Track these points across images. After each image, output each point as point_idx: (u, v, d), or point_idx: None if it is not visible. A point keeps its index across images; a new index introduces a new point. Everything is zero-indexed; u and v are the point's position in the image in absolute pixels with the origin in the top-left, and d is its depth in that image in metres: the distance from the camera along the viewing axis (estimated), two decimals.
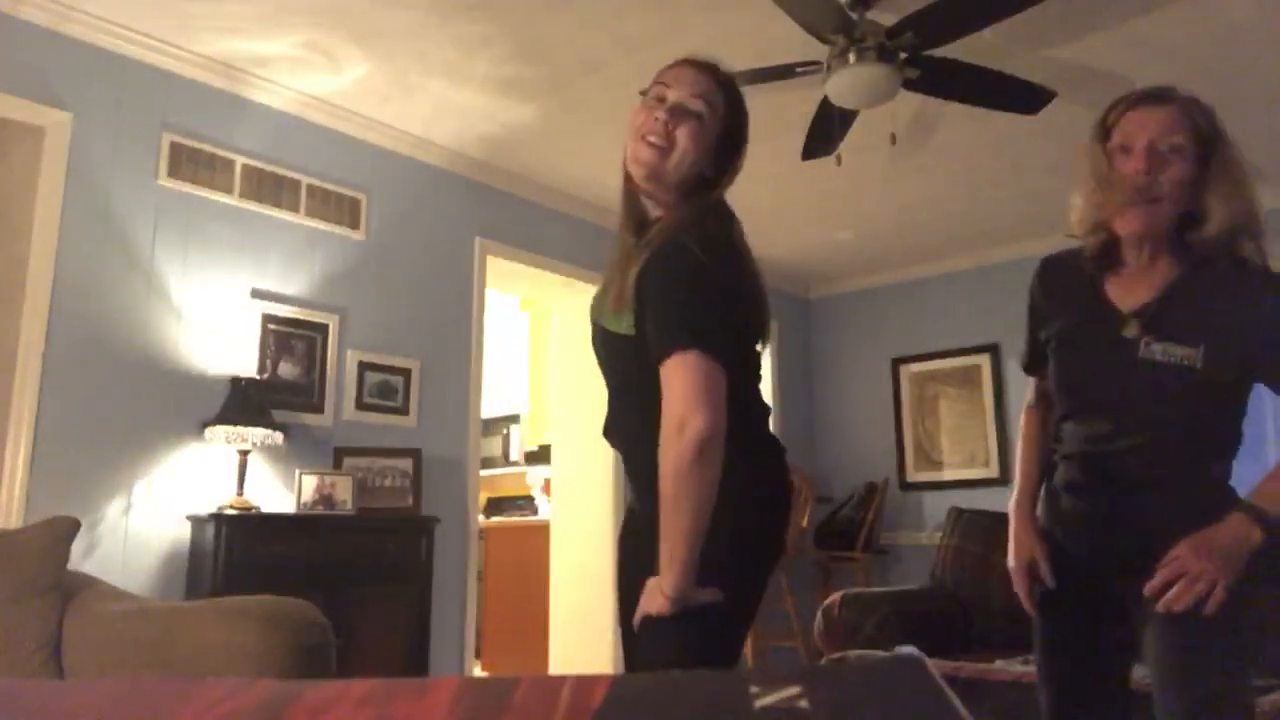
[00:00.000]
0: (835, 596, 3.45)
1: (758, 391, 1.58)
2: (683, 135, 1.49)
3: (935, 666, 0.32)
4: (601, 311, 1.54)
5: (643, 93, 1.56)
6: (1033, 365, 1.71)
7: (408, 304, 3.97)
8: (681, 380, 1.35)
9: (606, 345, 1.55)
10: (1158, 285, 1.48)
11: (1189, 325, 1.44)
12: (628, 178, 1.57)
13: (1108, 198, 1.45)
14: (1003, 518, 3.01)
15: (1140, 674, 1.54)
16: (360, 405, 3.72)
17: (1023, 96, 3.22)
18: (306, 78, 3.53)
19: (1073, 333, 1.56)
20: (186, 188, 3.31)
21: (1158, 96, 1.47)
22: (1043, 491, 1.69)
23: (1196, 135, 1.44)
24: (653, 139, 1.49)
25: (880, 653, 3.20)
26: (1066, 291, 1.59)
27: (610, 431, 1.60)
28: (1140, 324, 1.47)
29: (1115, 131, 1.48)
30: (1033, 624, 1.64)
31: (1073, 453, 1.59)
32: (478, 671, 4.69)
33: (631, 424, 1.54)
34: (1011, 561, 1.63)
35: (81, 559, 2.77)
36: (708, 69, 1.54)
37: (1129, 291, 1.51)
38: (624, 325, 1.48)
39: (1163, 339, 1.44)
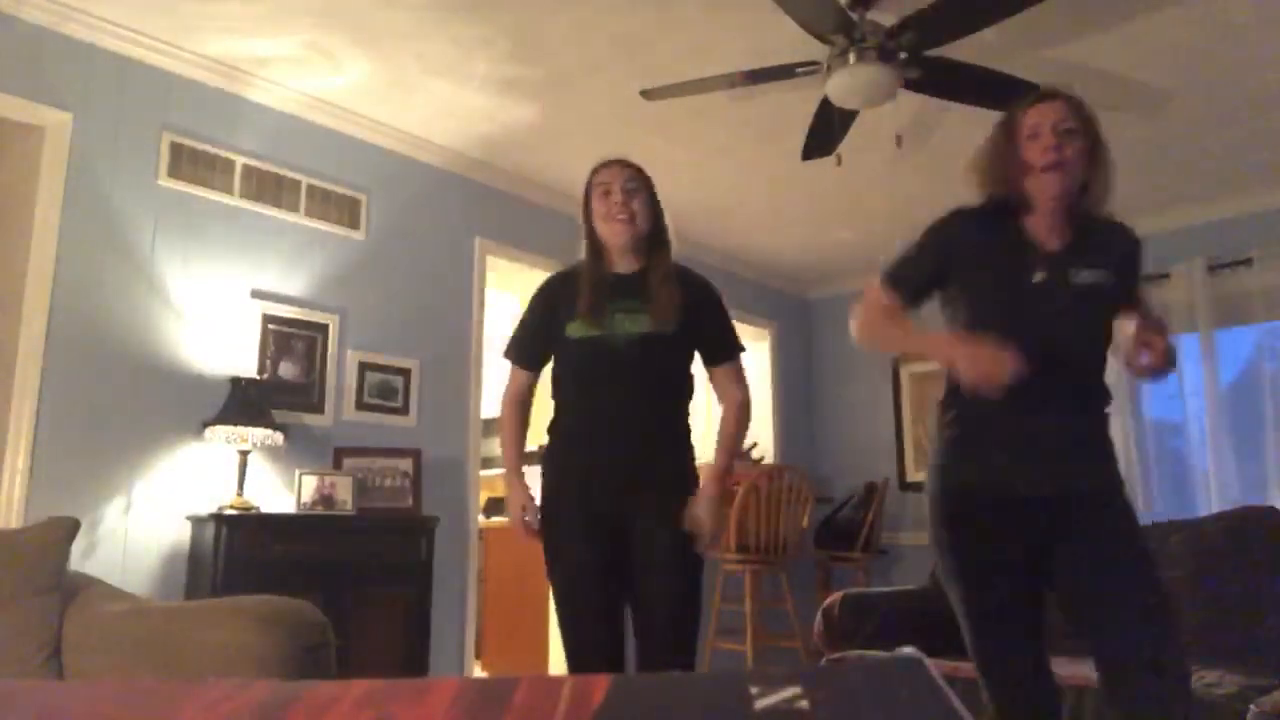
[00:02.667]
0: (835, 596, 3.45)
1: None
2: (638, 205, 2.20)
3: (935, 666, 0.32)
4: (641, 326, 2.14)
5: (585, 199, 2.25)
6: (908, 289, 1.93)
7: (408, 304, 3.97)
8: (742, 372, 2.31)
9: (659, 345, 2.15)
10: (1066, 236, 1.86)
11: (1096, 258, 1.85)
12: (597, 244, 2.23)
13: (1023, 171, 1.84)
14: None
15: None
16: (360, 405, 3.72)
17: (1022, 97, 3.21)
18: (306, 78, 3.53)
19: (1002, 270, 1.86)
20: (186, 188, 3.31)
21: (1050, 94, 1.89)
22: (939, 441, 1.92)
23: (1083, 122, 1.85)
24: (621, 216, 2.17)
25: (880, 653, 3.20)
26: (988, 239, 1.89)
27: (633, 414, 2.14)
28: (1065, 258, 1.84)
29: (1022, 126, 1.86)
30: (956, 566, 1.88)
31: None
32: (478, 671, 4.68)
33: (666, 403, 2.20)
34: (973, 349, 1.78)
35: (81, 559, 2.77)
36: (627, 164, 2.25)
37: (1045, 240, 1.86)
38: (671, 328, 2.15)
39: (1084, 266, 1.83)
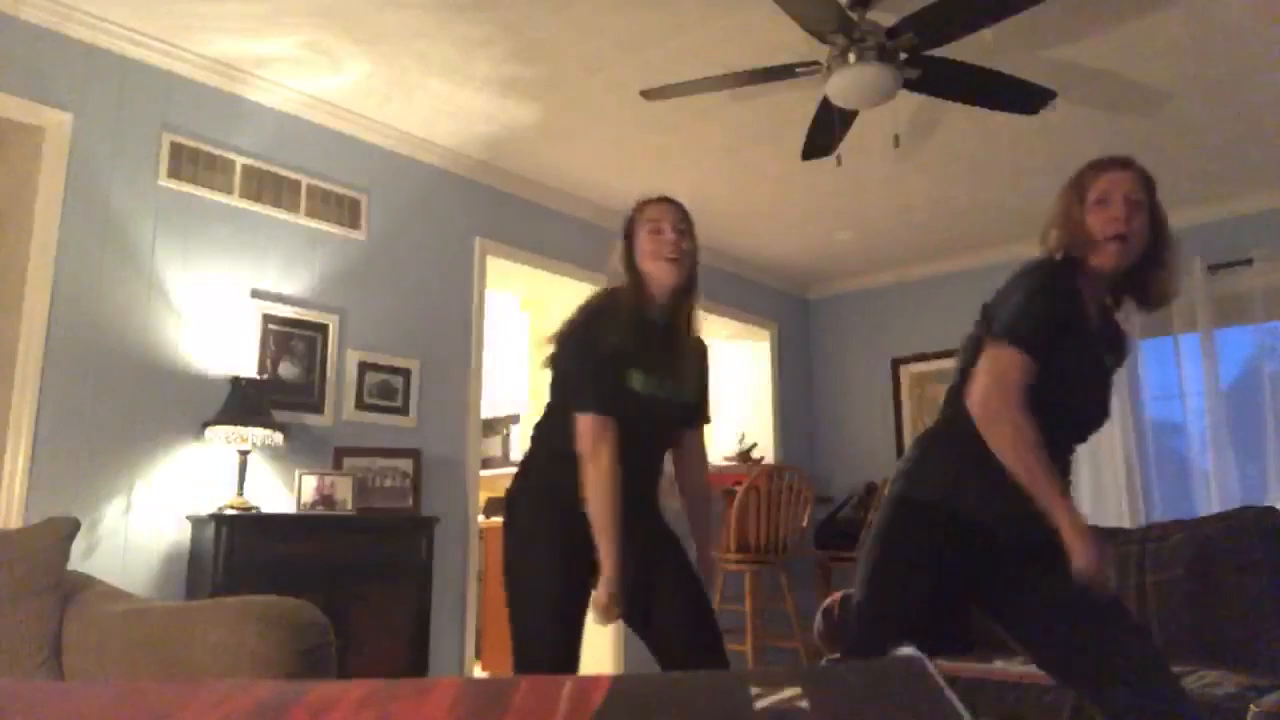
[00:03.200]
0: (835, 597, 3.45)
1: None
2: (688, 247, 2.15)
3: (935, 666, 0.32)
4: (680, 394, 2.18)
5: (628, 236, 2.18)
6: (1039, 354, 1.78)
7: (408, 304, 3.97)
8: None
9: (681, 411, 2.21)
10: (1098, 310, 1.88)
11: (1114, 344, 1.92)
12: (639, 282, 2.13)
13: (1085, 237, 1.81)
14: None
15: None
16: (360, 405, 3.72)
17: (1023, 96, 3.22)
18: (306, 78, 3.53)
19: (1076, 339, 1.83)
20: (186, 188, 3.31)
21: (1124, 163, 1.85)
22: (957, 470, 1.88)
23: (1150, 196, 1.84)
24: (672, 255, 2.11)
25: None
26: (1073, 305, 1.85)
27: (649, 471, 2.18)
28: (1100, 336, 1.88)
29: (1091, 189, 1.83)
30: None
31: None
32: (478, 671, 4.68)
33: (660, 461, 2.23)
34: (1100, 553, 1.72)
35: (81, 559, 2.77)
36: (677, 203, 2.21)
37: (1090, 313, 1.87)
38: (691, 397, 2.23)
39: (1107, 350, 1.89)
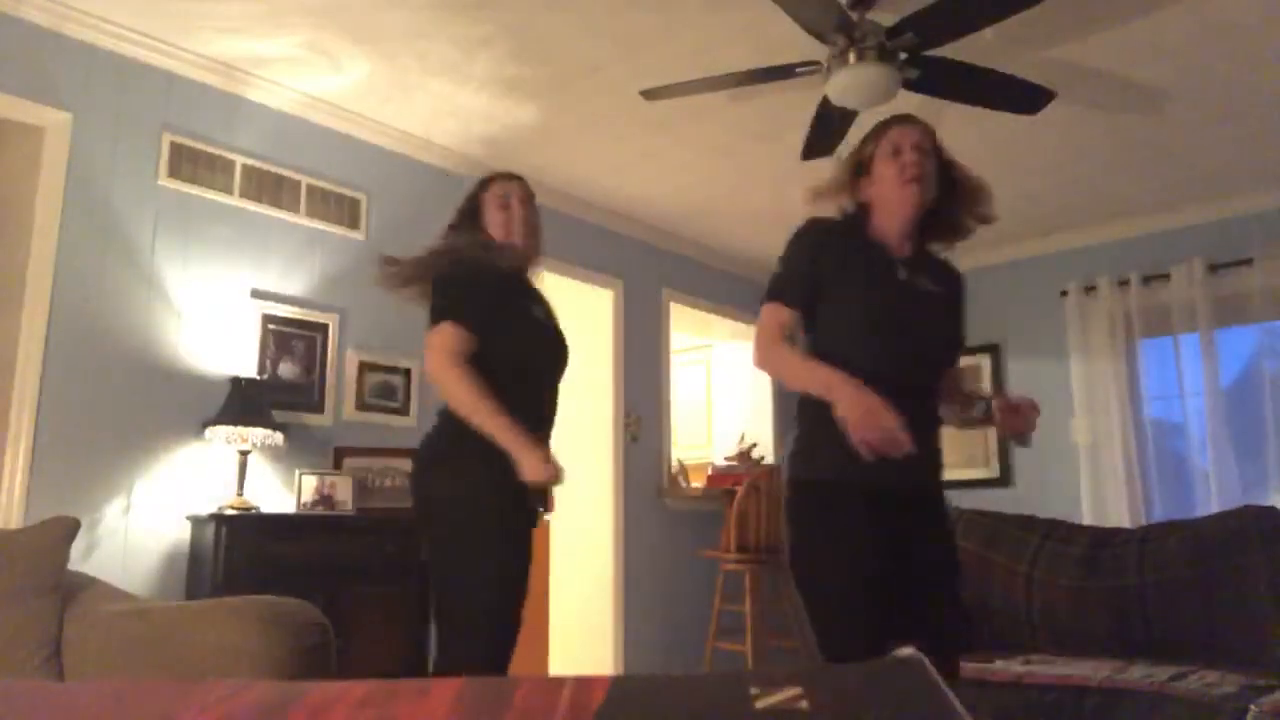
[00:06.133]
0: None
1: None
2: (535, 220, 2.41)
3: (935, 666, 0.32)
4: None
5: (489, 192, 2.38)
6: (799, 299, 2.01)
7: (408, 304, 3.95)
8: None
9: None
10: (911, 246, 2.06)
11: (932, 274, 2.07)
12: (491, 244, 2.31)
13: (875, 183, 2.04)
14: (1003, 518, 3.10)
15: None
16: (360, 405, 3.72)
17: (1023, 96, 3.22)
18: (306, 78, 3.53)
19: (864, 273, 2.00)
20: (186, 188, 3.31)
21: (910, 118, 2.07)
22: (810, 437, 1.96)
23: (935, 145, 2.07)
24: (523, 232, 2.35)
25: None
26: (843, 245, 2.05)
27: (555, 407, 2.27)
28: (908, 267, 2.02)
29: (884, 142, 2.03)
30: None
31: (873, 372, 1.83)
32: None
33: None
34: (869, 402, 1.73)
35: (81, 559, 2.77)
36: (521, 178, 2.41)
37: (896, 248, 2.04)
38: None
39: (920, 276, 2.03)
